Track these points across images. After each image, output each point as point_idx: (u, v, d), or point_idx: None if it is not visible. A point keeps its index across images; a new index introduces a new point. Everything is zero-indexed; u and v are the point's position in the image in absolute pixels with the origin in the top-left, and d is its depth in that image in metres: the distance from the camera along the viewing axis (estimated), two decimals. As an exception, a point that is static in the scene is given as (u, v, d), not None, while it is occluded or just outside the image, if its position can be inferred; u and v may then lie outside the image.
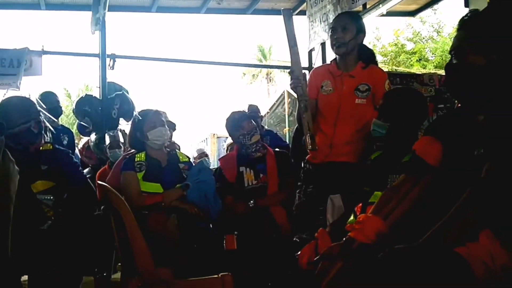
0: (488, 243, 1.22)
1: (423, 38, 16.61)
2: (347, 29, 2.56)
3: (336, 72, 2.64)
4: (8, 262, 1.16)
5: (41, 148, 2.40)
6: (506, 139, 1.30)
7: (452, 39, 1.50)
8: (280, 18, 2.51)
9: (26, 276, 2.70)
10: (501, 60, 1.38)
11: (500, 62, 1.38)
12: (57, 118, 4.52)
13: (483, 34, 1.41)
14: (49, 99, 4.45)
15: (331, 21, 5.34)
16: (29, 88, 5.28)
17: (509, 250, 1.22)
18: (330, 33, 2.63)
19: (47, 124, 2.54)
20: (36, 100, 3.99)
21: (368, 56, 2.68)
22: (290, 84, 2.57)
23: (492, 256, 1.19)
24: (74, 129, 5.84)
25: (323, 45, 5.89)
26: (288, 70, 2.58)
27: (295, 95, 2.60)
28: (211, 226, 2.78)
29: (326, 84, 2.66)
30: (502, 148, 1.29)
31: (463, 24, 1.47)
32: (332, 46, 2.63)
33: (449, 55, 1.50)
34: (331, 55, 2.72)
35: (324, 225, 2.47)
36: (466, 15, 1.48)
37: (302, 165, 2.81)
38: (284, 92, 15.27)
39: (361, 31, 2.61)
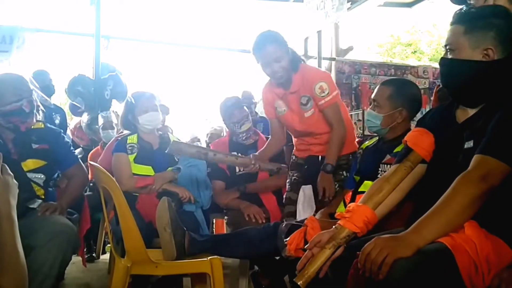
0: (473, 234, 1.24)
1: (419, 30, 16.57)
2: (280, 57, 2.43)
3: (280, 93, 2.61)
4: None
5: (32, 126, 2.38)
6: (497, 131, 1.31)
7: (447, 32, 1.50)
8: (275, 3, 2.48)
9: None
10: (498, 55, 1.39)
11: (496, 57, 1.39)
12: (50, 97, 4.49)
13: (481, 28, 1.41)
14: (42, 77, 4.41)
15: (327, 9, 5.30)
16: (22, 66, 5.20)
17: (493, 241, 1.24)
18: (263, 68, 2.50)
19: (39, 103, 2.51)
20: (29, 78, 3.95)
21: (294, 61, 2.52)
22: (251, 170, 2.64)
23: (476, 247, 1.21)
24: (65, 109, 5.79)
25: (319, 33, 5.88)
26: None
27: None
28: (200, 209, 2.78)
29: (278, 105, 2.65)
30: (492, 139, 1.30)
31: (459, 18, 1.46)
32: (272, 78, 2.55)
33: (444, 49, 1.50)
34: (326, 44, 2.71)
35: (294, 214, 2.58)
36: (461, 9, 1.48)
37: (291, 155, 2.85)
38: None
39: (287, 48, 2.48)
